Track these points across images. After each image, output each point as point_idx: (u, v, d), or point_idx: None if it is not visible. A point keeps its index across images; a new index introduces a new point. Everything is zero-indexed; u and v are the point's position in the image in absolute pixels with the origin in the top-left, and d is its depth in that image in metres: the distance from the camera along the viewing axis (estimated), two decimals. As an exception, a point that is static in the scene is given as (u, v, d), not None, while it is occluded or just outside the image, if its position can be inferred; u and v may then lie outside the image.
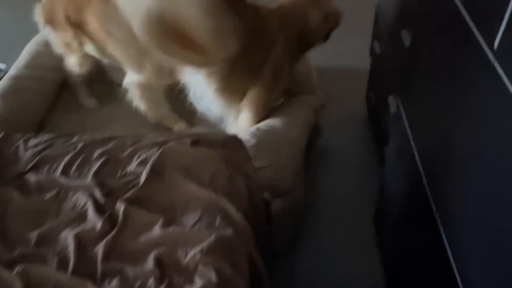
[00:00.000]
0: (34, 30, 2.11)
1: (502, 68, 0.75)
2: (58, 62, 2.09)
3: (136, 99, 1.91)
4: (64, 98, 2.19)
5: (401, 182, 1.43)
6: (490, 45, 0.78)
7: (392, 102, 1.63)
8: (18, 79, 2.04)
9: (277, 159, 1.57)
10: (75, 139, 1.28)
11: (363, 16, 2.28)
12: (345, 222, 1.84)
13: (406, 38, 1.43)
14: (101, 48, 1.90)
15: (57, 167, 1.19)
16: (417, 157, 1.25)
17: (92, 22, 1.80)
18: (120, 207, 1.07)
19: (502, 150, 0.75)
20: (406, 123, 1.35)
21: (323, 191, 1.93)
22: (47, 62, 2.13)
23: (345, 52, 2.51)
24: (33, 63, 2.12)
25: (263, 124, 1.72)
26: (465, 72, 0.94)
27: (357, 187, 1.95)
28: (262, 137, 1.62)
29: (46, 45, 2.13)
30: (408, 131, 1.32)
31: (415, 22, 1.25)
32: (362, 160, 2.06)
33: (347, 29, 2.72)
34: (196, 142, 1.20)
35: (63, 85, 2.20)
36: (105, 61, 2.00)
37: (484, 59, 0.80)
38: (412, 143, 1.28)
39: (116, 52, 1.81)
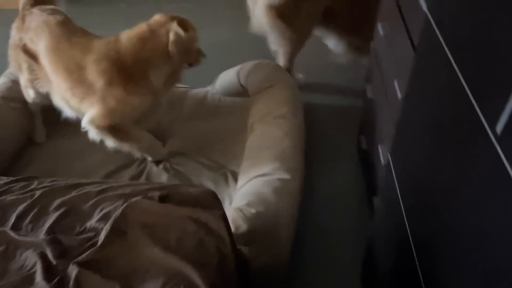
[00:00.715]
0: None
1: (504, 153, 0.65)
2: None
3: (112, 142, 1.80)
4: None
5: (388, 242, 1.32)
6: (492, 126, 0.69)
7: (383, 152, 1.55)
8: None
9: (273, 245, 1.49)
10: (34, 184, 1.17)
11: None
12: (332, 277, 1.72)
13: (400, 89, 1.35)
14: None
15: (9, 217, 1.08)
16: (405, 219, 1.14)
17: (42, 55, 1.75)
18: (73, 271, 0.95)
19: (500, 230, 0.65)
20: (395, 178, 1.25)
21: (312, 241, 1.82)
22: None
23: (341, 88, 2.45)
24: (10, 94, 2.06)
25: (252, 202, 1.61)
26: (462, 142, 0.85)
27: (346, 239, 1.83)
28: (255, 222, 1.50)
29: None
30: (397, 188, 1.22)
31: (411, 77, 1.17)
32: (352, 208, 1.95)
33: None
34: (165, 197, 1.09)
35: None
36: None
37: (484, 137, 0.71)
38: (401, 202, 1.18)
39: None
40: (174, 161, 2.01)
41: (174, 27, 1.73)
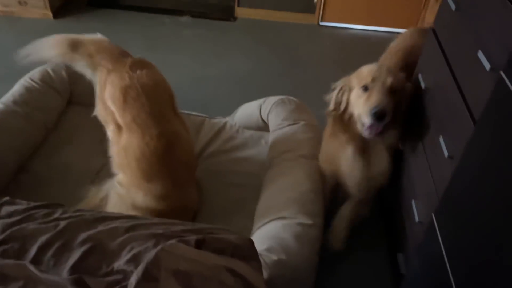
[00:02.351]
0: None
1: None
2: (46, 103, 1.98)
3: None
4: (49, 141, 2.04)
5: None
6: None
7: (418, 209, 1.48)
8: (4, 114, 1.90)
9: None
10: (58, 213, 1.07)
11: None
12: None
13: (447, 147, 1.29)
14: None
15: (29, 249, 0.98)
16: (453, 285, 1.06)
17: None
18: (98, 319, 0.85)
19: None
20: (440, 241, 1.17)
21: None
22: (36, 102, 2.01)
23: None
24: (22, 100, 1.98)
25: (272, 247, 1.52)
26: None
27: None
28: (276, 270, 1.42)
29: (39, 82, 2.03)
30: (443, 250, 1.14)
31: (471, 140, 1.10)
32: (371, 267, 1.84)
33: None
34: (202, 242, 1.00)
35: (50, 128, 2.06)
36: None
37: None
38: (447, 266, 1.10)
39: None
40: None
41: None
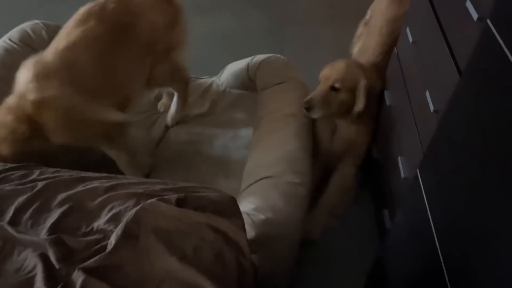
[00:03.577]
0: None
1: None
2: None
3: None
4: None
5: (410, 257, 1.25)
6: None
7: (404, 165, 1.47)
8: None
9: (281, 253, 1.44)
10: (35, 174, 1.05)
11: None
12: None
13: (433, 101, 1.27)
14: None
15: (6, 210, 0.97)
16: (435, 238, 1.07)
17: None
18: (78, 278, 0.85)
19: None
20: (425, 197, 1.17)
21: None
22: (15, 63, 1.82)
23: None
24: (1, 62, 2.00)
25: (260, 207, 1.51)
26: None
27: (350, 253, 1.75)
28: (263, 229, 1.42)
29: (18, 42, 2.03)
30: (427, 206, 1.15)
31: (456, 92, 1.08)
32: (358, 222, 1.86)
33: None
34: (183, 200, 0.99)
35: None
36: None
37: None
38: (431, 221, 1.11)
39: None
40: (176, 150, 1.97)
41: None
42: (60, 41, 1.54)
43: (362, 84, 1.76)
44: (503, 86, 0.83)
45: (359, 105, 1.77)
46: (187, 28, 1.90)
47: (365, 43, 2.05)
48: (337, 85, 1.76)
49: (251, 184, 1.71)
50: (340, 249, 1.74)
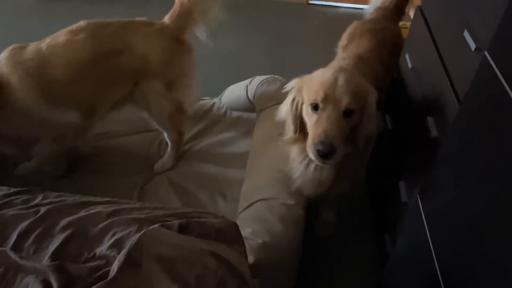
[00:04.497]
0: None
1: None
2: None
3: None
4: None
5: (411, 283, 1.25)
6: None
7: (404, 189, 1.48)
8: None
9: (280, 278, 1.43)
10: (38, 199, 1.06)
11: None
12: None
13: (436, 127, 1.28)
14: None
15: (9, 235, 0.97)
16: (436, 265, 1.07)
17: None
18: (80, 306, 0.85)
19: None
20: (425, 223, 1.18)
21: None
22: None
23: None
24: None
25: (257, 231, 1.50)
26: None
27: (350, 278, 1.74)
28: (261, 253, 1.41)
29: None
30: (427, 231, 1.15)
31: (457, 119, 1.09)
32: (358, 246, 1.86)
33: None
34: (185, 226, 0.99)
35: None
36: None
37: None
38: (432, 247, 1.11)
39: None
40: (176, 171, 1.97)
41: None
42: (46, 40, 1.63)
43: (372, 97, 1.31)
44: (501, 116, 0.84)
45: (370, 126, 1.31)
46: (192, 70, 1.91)
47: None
48: (351, 107, 1.24)
49: (247, 207, 1.71)
50: (341, 273, 1.73)
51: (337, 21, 3.35)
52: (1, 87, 1.53)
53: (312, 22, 3.30)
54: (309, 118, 1.29)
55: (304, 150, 1.35)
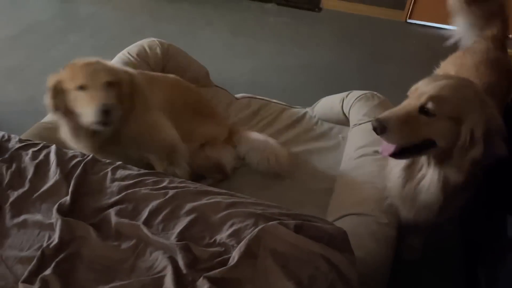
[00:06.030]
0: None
1: None
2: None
3: None
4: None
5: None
6: None
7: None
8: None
9: None
10: (165, 182, 1.15)
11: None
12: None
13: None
14: None
15: (142, 211, 1.07)
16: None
17: None
18: (203, 285, 0.91)
19: None
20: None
21: None
22: None
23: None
24: None
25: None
26: None
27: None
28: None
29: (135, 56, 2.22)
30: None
31: None
32: (446, 279, 1.77)
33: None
34: (300, 227, 1.03)
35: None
36: None
37: None
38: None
39: None
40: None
41: None
42: None
43: (479, 120, 1.15)
44: None
45: (477, 151, 1.17)
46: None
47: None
48: (430, 106, 1.16)
49: (338, 218, 1.71)
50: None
51: (435, 42, 3.26)
52: None
53: (410, 41, 3.24)
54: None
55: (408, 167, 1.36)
